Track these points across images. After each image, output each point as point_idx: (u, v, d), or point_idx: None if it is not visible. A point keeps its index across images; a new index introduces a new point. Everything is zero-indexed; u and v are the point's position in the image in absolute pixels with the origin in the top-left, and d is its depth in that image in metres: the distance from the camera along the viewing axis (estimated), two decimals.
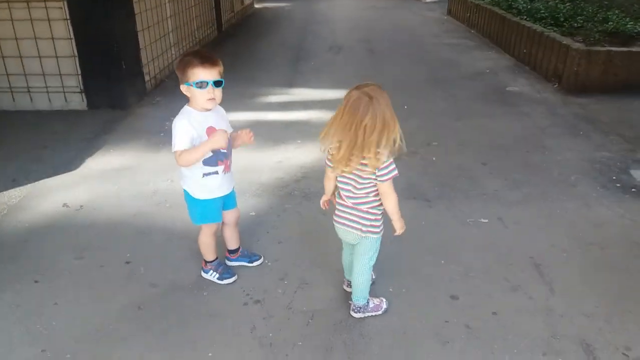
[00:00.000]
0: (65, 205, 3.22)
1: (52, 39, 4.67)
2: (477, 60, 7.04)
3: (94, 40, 4.64)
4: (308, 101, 5.23)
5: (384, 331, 2.22)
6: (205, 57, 2.12)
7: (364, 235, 2.13)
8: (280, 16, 11.36)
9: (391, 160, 1.98)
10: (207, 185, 2.29)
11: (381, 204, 2.09)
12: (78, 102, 4.88)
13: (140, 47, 5.21)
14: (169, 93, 5.34)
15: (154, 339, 2.18)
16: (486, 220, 3.04)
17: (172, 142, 2.16)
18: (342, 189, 2.11)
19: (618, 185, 3.45)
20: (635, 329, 2.21)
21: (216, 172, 2.27)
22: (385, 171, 1.97)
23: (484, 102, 5.25)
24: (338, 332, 2.21)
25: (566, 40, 5.68)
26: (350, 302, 2.31)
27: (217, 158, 2.25)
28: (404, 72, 6.45)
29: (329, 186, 2.21)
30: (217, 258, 2.54)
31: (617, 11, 6.74)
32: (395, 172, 2.00)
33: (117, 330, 2.23)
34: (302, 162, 3.81)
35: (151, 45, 5.54)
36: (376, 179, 2.00)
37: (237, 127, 2.43)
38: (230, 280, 2.51)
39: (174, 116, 2.21)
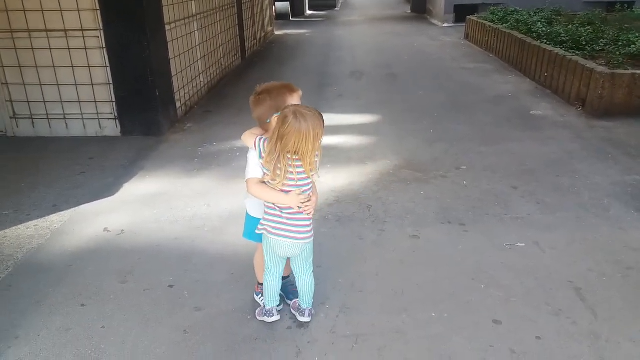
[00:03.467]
0: (106, 230, 3.30)
1: (89, 67, 4.83)
2: (498, 84, 7.09)
3: (128, 68, 4.78)
4: (335, 126, 5.30)
5: (430, 356, 2.23)
6: (289, 86, 2.21)
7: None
8: (301, 42, 11.58)
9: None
10: (261, 206, 2.32)
11: None
12: (112, 128, 5.01)
13: (172, 74, 5.35)
14: (199, 119, 5.47)
15: None
16: (523, 245, 3.05)
17: (246, 170, 2.24)
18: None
19: None
20: None
21: None
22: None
23: (508, 125, 5.29)
24: (383, 357, 2.23)
25: (589, 64, 5.71)
26: (304, 309, 2.44)
27: None
28: (427, 96, 6.52)
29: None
30: None
31: (637, 34, 6.77)
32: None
33: (165, 354, 2.27)
34: (333, 186, 3.86)
35: (182, 73, 5.69)
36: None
37: None
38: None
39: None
